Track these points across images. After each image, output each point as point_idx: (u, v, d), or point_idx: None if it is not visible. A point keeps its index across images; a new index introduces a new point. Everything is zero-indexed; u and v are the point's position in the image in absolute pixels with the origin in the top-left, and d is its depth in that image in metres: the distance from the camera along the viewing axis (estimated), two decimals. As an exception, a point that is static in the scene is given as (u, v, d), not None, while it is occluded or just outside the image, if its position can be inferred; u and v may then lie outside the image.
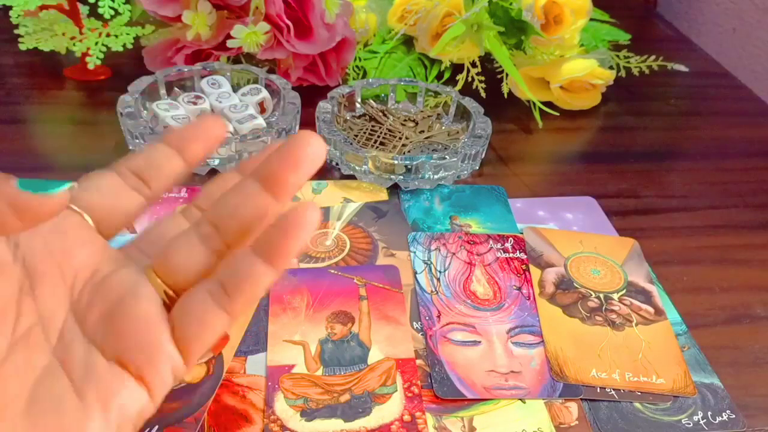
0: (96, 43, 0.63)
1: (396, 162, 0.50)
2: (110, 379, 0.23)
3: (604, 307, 0.43)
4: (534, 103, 0.63)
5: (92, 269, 0.25)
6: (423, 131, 0.57)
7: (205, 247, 0.25)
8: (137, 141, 0.52)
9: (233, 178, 0.27)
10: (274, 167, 0.24)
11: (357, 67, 0.67)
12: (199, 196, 0.29)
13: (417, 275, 0.45)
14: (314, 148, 0.24)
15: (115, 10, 0.61)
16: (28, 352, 0.23)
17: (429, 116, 0.59)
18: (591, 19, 0.70)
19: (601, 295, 0.44)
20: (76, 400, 0.23)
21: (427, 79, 0.67)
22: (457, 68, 0.67)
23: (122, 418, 0.23)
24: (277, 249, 0.23)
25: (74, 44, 0.63)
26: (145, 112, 0.55)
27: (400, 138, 0.55)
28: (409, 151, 0.54)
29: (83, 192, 0.26)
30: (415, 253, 0.46)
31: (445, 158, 0.50)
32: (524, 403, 0.37)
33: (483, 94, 0.63)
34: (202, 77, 0.59)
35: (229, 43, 0.59)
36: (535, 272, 0.46)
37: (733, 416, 0.37)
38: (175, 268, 0.25)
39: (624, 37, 0.78)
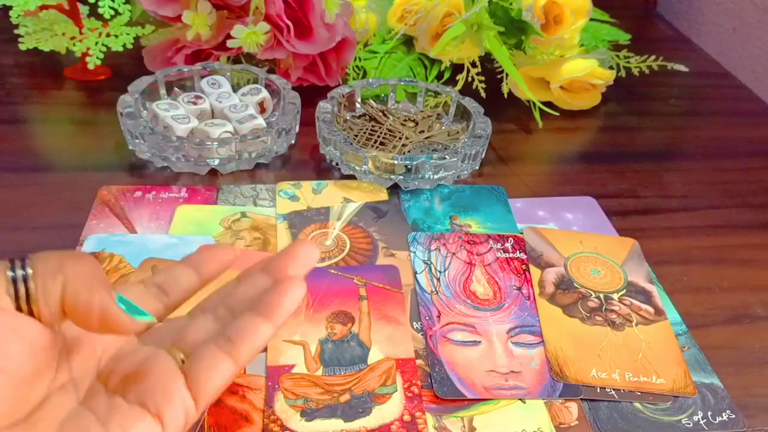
0: (96, 43, 0.63)
1: (396, 162, 0.50)
2: (131, 414, 0.27)
3: (604, 307, 0.43)
4: (534, 103, 0.63)
5: (117, 348, 0.30)
6: (423, 131, 0.57)
7: (218, 324, 0.30)
8: (137, 141, 0.52)
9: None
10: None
11: (357, 67, 0.67)
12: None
13: (417, 275, 0.45)
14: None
15: (115, 10, 0.61)
16: (60, 398, 0.27)
17: (429, 116, 0.59)
18: (591, 19, 0.70)
19: (601, 295, 0.44)
20: (98, 426, 0.26)
21: (427, 79, 0.67)
22: (457, 68, 0.67)
23: None
24: (271, 308, 0.28)
25: (74, 44, 0.63)
26: (145, 112, 0.55)
27: (400, 138, 0.55)
28: (409, 151, 0.54)
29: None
30: (415, 253, 0.46)
31: (445, 158, 0.50)
32: (524, 403, 0.37)
33: (483, 94, 0.63)
34: (202, 77, 0.59)
35: (229, 43, 0.59)
36: (535, 272, 0.46)
37: (733, 416, 0.37)
38: (191, 341, 0.29)
39: (624, 37, 0.78)
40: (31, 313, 0.25)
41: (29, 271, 0.25)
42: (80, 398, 0.28)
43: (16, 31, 0.64)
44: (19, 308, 0.25)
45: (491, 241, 0.48)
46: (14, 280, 0.25)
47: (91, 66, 0.62)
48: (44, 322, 0.26)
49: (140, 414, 0.27)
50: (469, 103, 0.57)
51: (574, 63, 0.63)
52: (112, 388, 0.28)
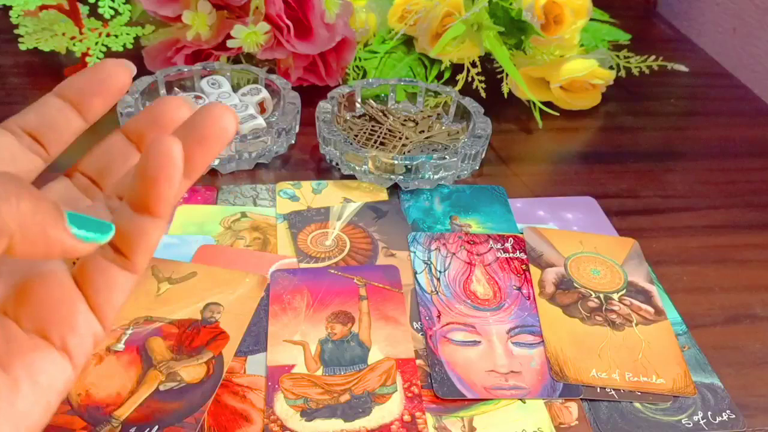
0: (96, 43, 0.63)
1: (396, 162, 0.50)
2: (34, 352, 0.22)
3: (604, 307, 0.43)
4: (534, 103, 0.63)
5: None
6: (423, 131, 0.57)
7: (101, 205, 0.25)
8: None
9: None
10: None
11: (357, 67, 0.67)
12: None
13: (417, 275, 0.45)
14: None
15: (115, 10, 0.61)
16: None
17: (429, 116, 0.59)
18: (591, 19, 0.70)
19: (601, 295, 0.44)
20: (2, 374, 0.22)
21: (427, 79, 0.67)
22: (457, 68, 0.67)
23: (50, 391, 0.22)
24: (150, 201, 0.22)
25: (74, 44, 0.63)
26: (145, 112, 0.55)
27: (400, 138, 0.55)
28: (409, 151, 0.54)
29: None
30: (415, 253, 0.46)
31: (445, 158, 0.50)
32: (524, 403, 0.37)
33: (483, 94, 0.63)
34: (202, 77, 0.59)
35: (229, 43, 0.59)
36: (535, 272, 0.46)
37: (733, 416, 0.37)
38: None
39: (624, 37, 0.78)
40: None
41: None
42: None
43: (16, 31, 0.63)
44: None
45: (491, 241, 0.48)
46: None
47: (91, 66, 0.62)
48: None
49: (45, 350, 0.22)
50: (469, 103, 0.57)
51: (574, 63, 0.63)
52: (1, 308, 0.23)
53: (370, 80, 0.60)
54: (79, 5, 0.63)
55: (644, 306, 0.44)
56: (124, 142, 0.25)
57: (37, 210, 0.19)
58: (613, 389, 0.38)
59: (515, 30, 0.63)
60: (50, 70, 0.67)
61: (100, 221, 0.21)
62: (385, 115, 0.58)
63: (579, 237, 0.49)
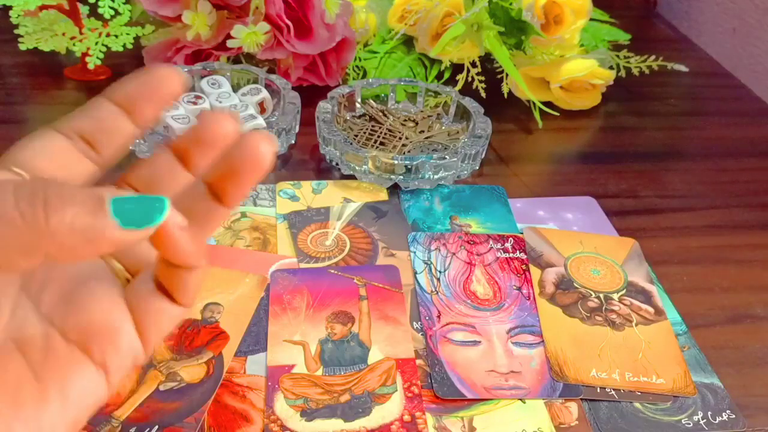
0: (96, 43, 0.63)
1: (396, 162, 0.50)
2: (71, 365, 0.22)
3: (604, 307, 0.43)
4: (534, 103, 0.63)
5: None
6: (423, 131, 0.57)
7: None
8: (137, 141, 0.52)
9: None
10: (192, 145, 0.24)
11: (357, 67, 0.67)
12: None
13: (417, 275, 0.45)
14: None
15: (115, 10, 0.61)
16: None
17: (429, 116, 0.59)
18: (591, 19, 0.70)
19: (601, 295, 0.44)
20: (32, 381, 0.21)
21: (427, 79, 0.67)
22: (457, 68, 0.67)
23: (79, 407, 0.22)
24: (228, 191, 0.23)
25: (74, 44, 0.63)
26: (145, 112, 0.55)
27: (400, 138, 0.55)
28: (409, 151, 0.54)
29: (27, 155, 0.23)
30: (415, 253, 0.46)
31: (445, 158, 0.50)
32: (524, 403, 0.37)
33: (483, 94, 0.63)
34: (202, 77, 0.59)
35: (229, 43, 0.59)
36: (535, 272, 0.46)
37: (733, 416, 0.37)
38: (134, 252, 0.24)
39: (624, 37, 0.78)
40: None
41: None
42: (5, 322, 0.21)
43: (16, 31, 0.63)
44: None
45: (491, 241, 0.48)
46: None
47: (91, 66, 0.62)
48: None
49: (82, 364, 0.22)
50: (469, 103, 0.57)
51: (574, 63, 0.63)
52: (47, 313, 0.22)
53: (370, 80, 0.60)
54: (79, 5, 0.63)
55: (644, 306, 0.44)
56: (171, 159, 0.25)
57: (72, 215, 0.18)
58: (613, 389, 0.38)
59: (515, 30, 0.63)
60: (50, 70, 0.67)
61: (152, 198, 0.19)
62: (385, 115, 0.58)
63: (579, 237, 0.49)
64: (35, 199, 0.18)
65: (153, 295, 0.23)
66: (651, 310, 0.44)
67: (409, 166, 0.50)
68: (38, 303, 0.22)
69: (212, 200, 0.23)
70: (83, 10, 0.64)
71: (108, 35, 0.64)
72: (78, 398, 0.22)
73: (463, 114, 0.58)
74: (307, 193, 0.52)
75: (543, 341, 0.41)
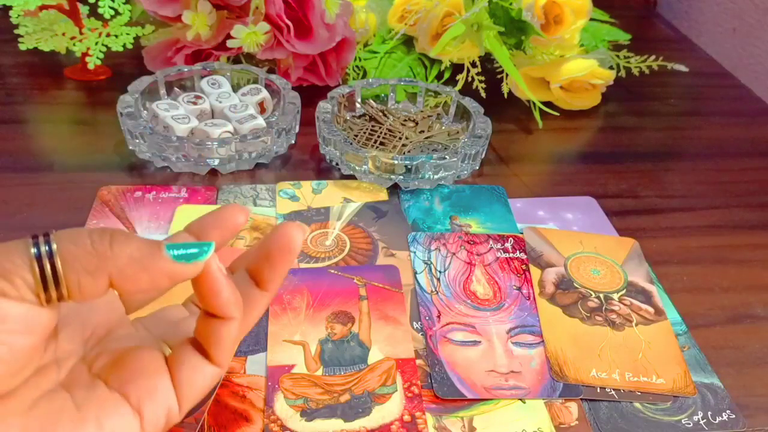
0: (96, 43, 0.63)
1: (396, 162, 0.50)
2: (109, 402, 0.25)
3: (604, 307, 0.43)
4: (534, 103, 0.63)
5: (107, 329, 0.29)
6: (423, 131, 0.57)
7: None
8: (137, 141, 0.52)
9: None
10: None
11: (357, 67, 0.67)
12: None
13: (417, 275, 0.45)
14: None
15: (115, 10, 0.61)
16: (40, 377, 0.25)
17: (429, 116, 0.59)
18: (591, 19, 0.70)
19: (601, 295, 0.44)
20: (73, 410, 0.25)
21: (427, 79, 0.67)
22: (457, 68, 0.67)
23: None
24: (265, 276, 0.28)
25: (74, 44, 0.63)
26: (145, 112, 0.55)
27: (400, 138, 0.55)
28: (409, 151, 0.54)
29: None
30: (415, 253, 0.46)
31: (445, 158, 0.50)
32: (524, 403, 0.37)
33: (483, 94, 0.63)
34: (202, 77, 0.59)
35: (229, 43, 0.59)
36: (535, 272, 0.46)
37: (733, 416, 0.37)
38: (182, 335, 0.28)
39: (624, 37, 0.78)
40: (48, 293, 0.23)
41: (54, 246, 0.23)
42: (61, 379, 0.26)
43: (16, 31, 0.63)
44: (44, 285, 0.22)
45: (491, 241, 0.48)
46: (38, 258, 0.22)
47: (91, 66, 0.62)
48: (63, 300, 0.23)
49: (119, 404, 0.25)
50: (469, 103, 0.57)
51: (574, 63, 0.63)
52: (96, 372, 0.26)
53: (370, 80, 0.60)
54: (79, 5, 0.63)
55: (644, 306, 0.44)
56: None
57: (132, 248, 0.23)
58: (613, 389, 0.38)
59: (515, 30, 0.63)
60: (50, 70, 0.67)
61: (200, 242, 0.25)
62: (385, 115, 0.58)
63: (579, 237, 0.49)
64: (104, 234, 0.23)
65: (190, 352, 0.27)
66: (651, 310, 0.44)
67: (409, 166, 0.50)
68: (91, 366, 0.27)
69: (253, 286, 0.29)
70: (83, 10, 0.64)
71: (108, 35, 0.64)
72: (111, 430, 0.25)
73: (463, 114, 0.58)
74: (307, 193, 0.52)
75: (543, 341, 0.41)
